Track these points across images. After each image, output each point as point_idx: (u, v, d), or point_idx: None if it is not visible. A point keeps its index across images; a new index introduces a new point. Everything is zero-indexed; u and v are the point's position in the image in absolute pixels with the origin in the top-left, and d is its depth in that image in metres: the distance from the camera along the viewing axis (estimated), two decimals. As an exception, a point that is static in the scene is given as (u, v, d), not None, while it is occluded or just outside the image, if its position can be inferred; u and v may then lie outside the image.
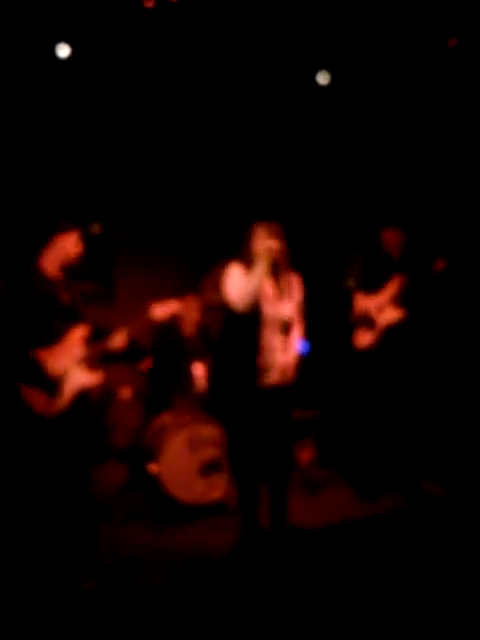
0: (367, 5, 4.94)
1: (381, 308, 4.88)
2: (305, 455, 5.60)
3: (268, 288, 4.03)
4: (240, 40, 5.04)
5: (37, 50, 4.82)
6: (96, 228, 4.00)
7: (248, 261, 4.01)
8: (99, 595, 3.58)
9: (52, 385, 3.66)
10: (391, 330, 4.84)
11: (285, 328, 4.04)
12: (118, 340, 3.84)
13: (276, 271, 4.05)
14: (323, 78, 5.44)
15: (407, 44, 5.18)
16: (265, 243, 3.97)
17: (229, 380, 4.13)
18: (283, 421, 4.07)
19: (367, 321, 4.89)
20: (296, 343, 4.13)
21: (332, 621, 3.26)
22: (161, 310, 3.89)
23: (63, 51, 4.82)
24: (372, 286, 4.92)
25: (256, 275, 3.92)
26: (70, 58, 4.86)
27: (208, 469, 4.71)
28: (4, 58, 4.79)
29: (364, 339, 4.90)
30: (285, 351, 4.03)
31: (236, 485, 4.17)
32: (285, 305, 4.05)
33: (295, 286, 4.16)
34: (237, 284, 4.00)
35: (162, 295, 4.02)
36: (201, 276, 5.82)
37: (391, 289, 4.88)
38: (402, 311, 4.86)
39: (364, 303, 4.93)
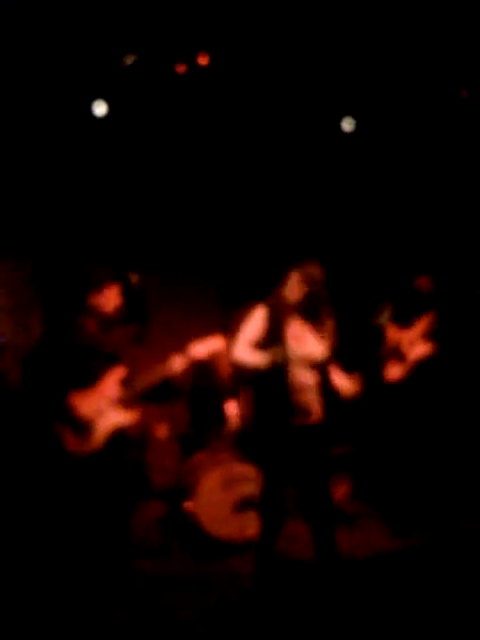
0: (387, 53, 5.13)
1: (412, 342, 4.97)
2: (340, 490, 5.64)
3: (298, 328, 4.11)
4: (270, 93, 5.27)
5: (74, 107, 5.11)
6: (135, 279, 4.20)
7: (276, 305, 4.11)
8: (135, 627, 3.68)
9: (83, 427, 3.81)
10: (421, 364, 4.93)
11: (316, 367, 4.10)
12: (175, 365, 3.96)
13: (311, 311, 4.12)
14: (348, 124, 5.63)
15: (426, 91, 5.35)
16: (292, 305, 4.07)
17: (262, 419, 4.19)
18: (318, 459, 4.10)
19: (398, 355, 4.99)
20: (336, 382, 4.18)
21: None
22: (201, 350, 4.03)
23: (100, 109, 5.10)
24: (404, 321, 5.03)
25: (259, 362, 4.01)
26: (106, 116, 5.14)
27: (242, 506, 4.78)
28: (45, 115, 5.08)
29: (394, 373, 4.99)
30: (317, 390, 4.09)
31: (261, 520, 4.20)
32: (317, 345, 4.11)
33: (329, 326, 4.20)
34: (246, 340, 4.09)
35: (195, 336, 4.15)
36: (233, 316, 5.95)
37: (422, 324, 4.99)
38: (432, 346, 4.95)
39: (395, 337, 5.04)
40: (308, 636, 3.58)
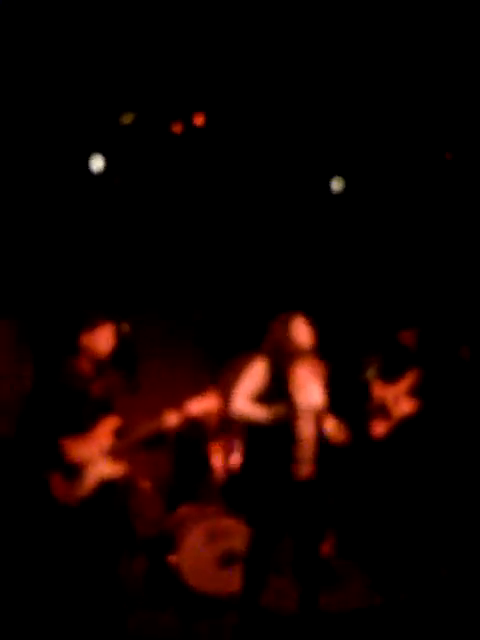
0: (375, 115, 5.31)
1: (397, 399, 5.04)
2: (325, 545, 5.62)
3: (303, 376, 4.07)
4: (263, 152, 5.41)
5: (71, 162, 5.22)
6: (125, 327, 4.23)
7: (275, 354, 4.08)
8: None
9: (74, 473, 3.82)
10: (406, 421, 4.99)
11: (317, 418, 4.07)
12: (170, 422, 3.96)
13: (307, 361, 4.09)
14: (337, 185, 5.79)
15: (412, 151, 5.52)
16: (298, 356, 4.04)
17: (257, 471, 4.13)
18: (314, 514, 4.07)
19: (383, 411, 5.04)
20: (327, 428, 4.13)
21: None
22: (196, 407, 4.05)
23: (97, 164, 5.20)
24: (389, 377, 5.10)
25: (259, 417, 3.96)
26: (103, 172, 5.25)
27: (227, 561, 4.77)
28: (41, 169, 5.18)
29: (379, 429, 5.04)
30: (315, 442, 4.05)
31: (246, 572, 4.12)
32: (319, 392, 4.08)
33: (321, 376, 4.19)
34: (246, 393, 4.02)
35: (184, 387, 4.18)
36: (221, 366, 6.00)
37: (407, 381, 5.06)
38: (417, 403, 5.01)
39: (381, 393, 5.10)
40: None
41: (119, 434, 3.99)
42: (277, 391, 4.03)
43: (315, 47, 4.54)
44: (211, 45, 4.36)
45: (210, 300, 6.43)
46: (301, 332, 4.10)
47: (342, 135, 5.46)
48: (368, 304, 6.39)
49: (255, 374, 4.09)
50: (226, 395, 5.66)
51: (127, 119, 4.82)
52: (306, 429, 4.02)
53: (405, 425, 5.01)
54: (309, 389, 4.08)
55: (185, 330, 6.35)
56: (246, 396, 4.05)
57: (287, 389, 4.01)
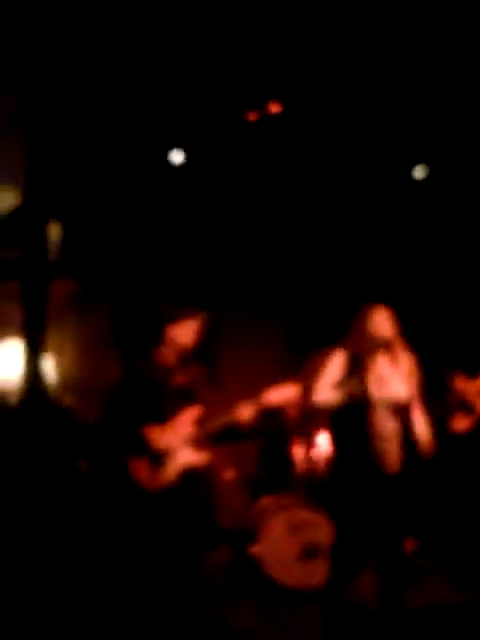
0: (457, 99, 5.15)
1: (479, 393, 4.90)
2: (408, 544, 5.52)
3: (379, 370, 4.03)
4: (339, 140, 5.35)
5: (152, 156, 5.29)
6: (205, 317, 4.27)
7: (355, 346, 4.07)
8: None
9: (157, 459, 3.87)
10: None
11: (399, 411, 4.02)
12: (245, 413, 3.99)
13: (389, 352, 4.04)
14: (420, 172, 5.67)
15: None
16: (373, 341, 4.00)
17: (340, 466, 4.14)
18: (395, 511, 4.02)
19: (465, 405, 4.90)
20: (417, 429, 4.10)
21: None
22: (274, 396, 4.05)
23: (177, 157, 5.26)
24: (472, 370, 4.95)
25: (347, 391, 3.97)
26: (183, 164, 5.30)
27: (308, 554, 4.74)
28: (122, 163, 5.28)
29: (462, 424, 4.91)
30: (398, 438, 4.01)
31: (334, 570, 4.13)
32: (399, 387, 4.03)
33: (410, 367, 4.13)
34: (327, 383, 4.04)
35: (266, 378, 4.18)
36: (304, 359, 5.97)
37: None
38: None
39: (463, 387, 4.96)
40: None
41: (201, 424, 4.02)
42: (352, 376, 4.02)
43: (397, 32, 4.45)
44: (288, 31, 4.33)
45: (295, 292, 6.38)
46: (381, 324, 4.05)
47: (424, 122, 5.32)
48: (451, 295, 6.22)
49: (335, 365, 4.09)
50: (308, 387, 5.65)
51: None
52: (385, 422, 3.98)
53: None
54: (389, 381, 4.02)
55: (270, 323, 6.33)
56: (326, 386, 4.05)
57: (362, 377, 3.99)
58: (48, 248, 4.42)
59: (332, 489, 4.24)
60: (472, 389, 4.95)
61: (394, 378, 4.03)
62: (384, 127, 5.34)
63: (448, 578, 4.94)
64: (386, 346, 4.03)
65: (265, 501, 5.08)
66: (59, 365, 5.37)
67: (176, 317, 4.07)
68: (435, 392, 5.18)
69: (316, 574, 4.67)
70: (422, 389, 4.17)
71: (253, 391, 4.20)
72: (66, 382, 5.45)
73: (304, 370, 5.82)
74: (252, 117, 4.91)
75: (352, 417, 4.00)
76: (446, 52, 4.62)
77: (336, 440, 4.19)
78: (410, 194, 5.95)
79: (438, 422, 5.04)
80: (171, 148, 5.27)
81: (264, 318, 6.30)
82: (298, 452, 5.32)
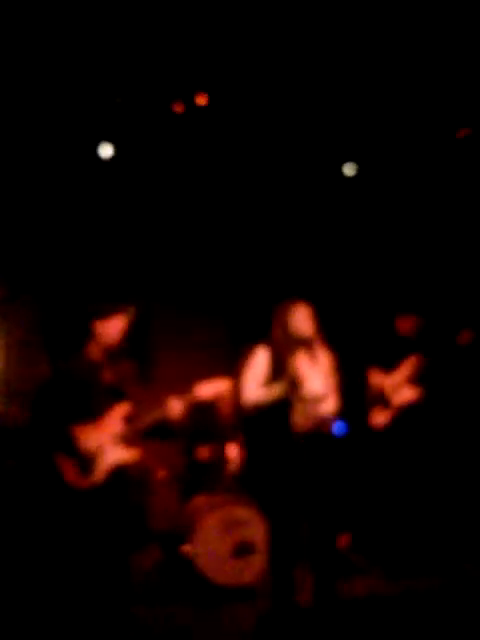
0: (388, 98, 5.22)
1: (396, 387, 4.92)
2: (342, 539, 5.56)
3: (301, 365, 4.06)
4: (270, 134, 5.35)
5: (79, 150, 5.21)
6: (133, 311, 4.21)
7: (278, 343, 4.09)
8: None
9: (85, 459, 3.80)
10: (406, 410, 4.86)
11: (317, 405, 4.04)
12: (174, 408, 3.94)
13: (309, 349, 4.09)
14: (350, 169, 5.72)
15: (424, 133, 5.42)
16: (295, 342, 4.03)
17: (265, 459, 4.15)
18: (324, 501, 4.04)
19: (382, 400, 4.93)
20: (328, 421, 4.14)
21: None
22: (206, 390, 4.02)
23: (105, 151, 5.19)
24: (388, 365, 4.98)
25: (275, 391, 3.99)
26: (112, 158, 5.23)
27: (241, 551, 4.73)
28: (51, 157, 5.17)
29: (379, 418, 4.93)
30: (315, 429, 4.03)
31: (272, 567, 4.14)
32: (317, 382, 4.07)
33: (327, 363, 4.19)
34: (253, 382, 4.06)
35: (202, 374, 4.14)
36: (237, 356, 5.95)
37: (407, 368, 4.93)
38: (417, 390, 4.89)
39: (380, 381, 4.99)
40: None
41: (130, 421, 3.96)
42: (277, 379, 4.03)
43: (327, 25, 4.46)
44: (215, 21, 4.31)
45: (232, 287, 6.36)
46: (302, 321, 4.08)
47: (354, 118, 5.37)
48: (368, 290, 6.27)
49: (258, 363, 4.11)
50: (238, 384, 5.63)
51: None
52: (304, 416, 4.00)
53: (405, 414, 4.87)
54: (309, 377, 4.05)
55: (208, 320, 6.30)
56: (254, 385, 4.07)
57: (288, 377, 4.00)
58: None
59: (261, 486, 4.24)
60: (389, 383, 4.96)
61: (314, 373, 4.06)
62: (314, 122, 5.35)
63: (380, 570, 4.97)
64: (306, 344, 4.05)
65: (197, 500, 5.05)
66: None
67: (103, 313, 4.00)
68: (352, 388, 5.24)
69: (249, 571, 4.67)
70: (339, 385, 4.20)
71: (187, 388, 4.17)
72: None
73: (240, 367, 5.83)
74: (179, 109, 4.87)
75: (274, 415, 4.02)
76: (377, 42, 4.66)
77: (257, 437, 4.19)
78: (338, 190, 5.99)
79: (356, 417, 5.10)
80: (99, 141, 5.20)
81: (202, 315, 6.28)
82: (231, 450, 5.30)
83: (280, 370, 4.08)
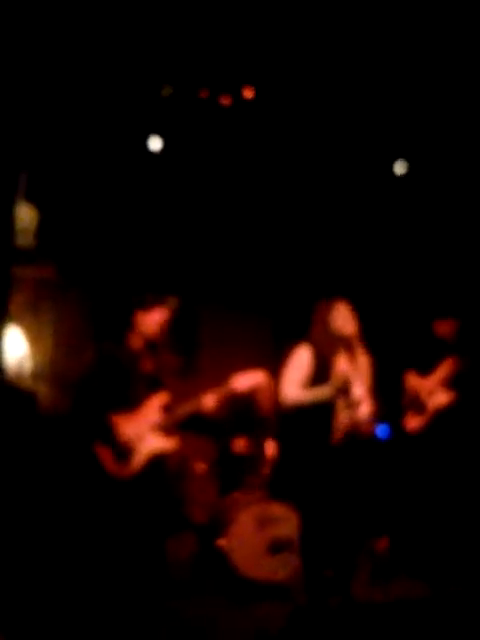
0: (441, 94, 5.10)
1: (432, 391, 4.82)
2: (380, 543, 5.49)
3: (342, 366, 4.04)
4: (318, 129, 5.30)
5: (129, 144, 5.26)
6: (174, 303, 4.25)
7: (319, 343, 4.07)
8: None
9: (123, 448, 3.84)
10: (442, 414, 4.77)
11: (356, 407, 4.02)
12: (209, 401, 3.97)
13: (349, 349, 4.07)
14: (400, 167, 5.62)
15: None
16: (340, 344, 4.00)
17: (302, 459, 4.15)
18: (357, 502, 4.05)
19: (417, 404, 4.84)
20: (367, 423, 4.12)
21: None
22: (242, 382, 4.02)
23: (155, 144, 5.23)
24: (423, 368, 4.88)
25: (320, 394, 3.98)
26: (161, 151, 5.26)
27: (276, 548, 4.72)
28: (99, 150, 5.24)
29: (414, 422, 4.85)
30: (352, 431, 4.04)
31: (305, 566, 4.16)
32: (358, 388, 4.02)
33: (366, 365, 4.17)
34: (295, 381, 4.04)
35: (241, 370, 4.15)
36: (281, 353, 5.93)
37: (442, 371, 4.83)
38: (453, 394, 4.79)
39: (415, 385, 4.89)
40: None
41: (168, 411, 4.00)
42: (320, 379, 4.02)
43: (378, 19, 4.39)
44: (263, 14, 4.28)
45: (282, 284, 6.31)
46: (343, 319, 4.03)
47: (406, 114, 5.26)
48: (407, 291, 6.14)
49: (301, 362, 4.09)
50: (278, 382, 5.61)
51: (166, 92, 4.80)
52: (346, 418, 3.99)
53: (440, 418, 4.78)
54: (351, 382, 4.01)
55: (256, 316, 6.27)
56: (295, 384, 4.03)
57: (337, 380, 3.98)
58: (15, 230, 4.36)
59: (296, 485, 4.21)
60: (425, 387, 4.86)
61: (354, 379, 4.02)
62: (364, 118, 5.27)
63: (416, 575, 4.90)
64: (347, 344, 4.01)
65: (236, 495, 5.06)
66: (35, 353, 5.33)
67: (144, 304, 4.06)
68: (388, 391, 5.16)
69: (282, 569, 4.67)
70: (375, 388, 4.17)
71: (225, 381, 4.18)
72: (42, 370, 5.41)
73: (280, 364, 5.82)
74: (225, 102, 4.87)
75: (316, 416, 3.99)
76: (427, 42, 4.57)
77: (295, 435, 4.15)
78: (388, 189, 5.90)
79: (392, 421, 5.02)
80: (149, 134, 5.24)
81: (250, 311, 6.25)
82: (269, 447, 5.29)
83: (323, 370, 4.05)
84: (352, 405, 3.99)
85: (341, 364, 4.06)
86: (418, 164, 5.73)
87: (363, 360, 4.18)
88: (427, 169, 5.73)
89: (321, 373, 4.07)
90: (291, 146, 5.45)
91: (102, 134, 5.18)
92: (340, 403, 4.02)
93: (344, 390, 3.98)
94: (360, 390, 4.01)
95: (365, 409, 4.05)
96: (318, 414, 4.04)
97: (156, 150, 5.27)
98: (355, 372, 4.06)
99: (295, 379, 4.06)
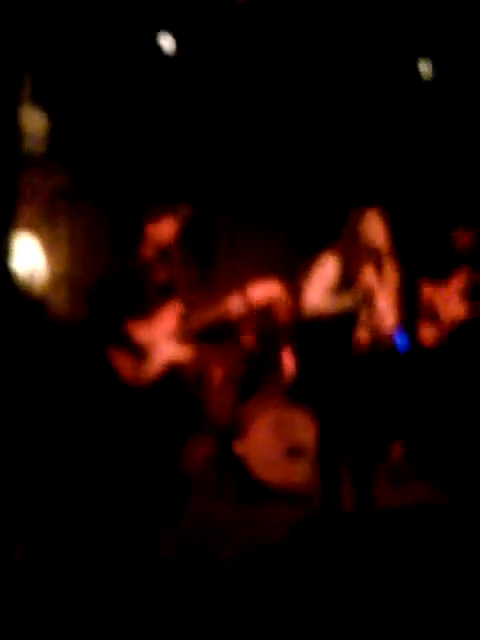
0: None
1: (447, 301, 4.74)
2: (396, 450, 5.55)
3: (372, 279, 3.94)
4: (339, 27, 5.05)
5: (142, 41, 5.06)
6: (186, 212, 4.17)
7: (347, 252, 3.98)
8: (174, 565, 3.74)
9: (140, 354, 3.87)
10: (458, 326, 4.71)
11: (379, 318, 3.95)
12: (233, 306, 3.93)
13: (378, 260, 3.96)
14: (425, 67, 5.37)
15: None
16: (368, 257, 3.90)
17: (322, 368, 4.13)
18: (376, 414, 4.05)
19: (432, 313, 4.75)
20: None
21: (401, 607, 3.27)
22: (259, 292, 3.99)
23: (167, 43, 5.03)
24: (439, 277, 4.77)
25: (342, 303, 3.90)
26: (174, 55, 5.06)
27: (292, 453, 4.80)
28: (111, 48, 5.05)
29: (429, 333, 4.78)
30: (373, 341, 3.97)
31: (320, 471, 4.19)
32: (383, 296, 3.95)
33: (394, 277, 4.06)
34: (319, 290, 3.96)
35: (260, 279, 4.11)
36: (298, 263, 5.87)
37: (458, 283, 4.74)
38: (469, 306, 4.71)
39: (430, 294, 4.81)
40: (341, 588, 3.56)
41: (185, 319, 3.99)
42: (345, 290, 3.95)
43: None
44: None
45: (298, 193, 6.16)
46: (375, 229, 3.92)
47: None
48: (427, 200, 5.94)
49: (326, 271, 4.01)
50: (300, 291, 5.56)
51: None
52: (368, 329, 3.92)
53: (457, 330, 4.72)
54: (376, 296, 3.92)
55: (273, 226, 6.15)
56: (318, 293, 3.98)
57: (360, 289, 3.90)
58: (21, 136, 4.25)
59: (315, 392, 4.22)
60: (440, 297, 4.78)
61: (379, 292, 3.93)
62: (388, 15, 5.00)
63: (431, 482, 4.97)
64: (376, 256, 3.92)
65: (254, 401, 5.11)
66: (51, 261, 5.32)
67: (155, 214, 4.00)
68: (407, 302, 5.11)
69: (298, 473, 4.75)
70: (402, 301, 4.09)
71: (242, 291, 4.13)
72: (59, 278, 5.41)
73: (301, 276, 5.76)
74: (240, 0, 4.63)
75: (338, 325, 3.94)
76: None
77: (316, 345, 4.12)
78: (414, 93, 5.66)
79: (409, 332, 4.96)
80: (159, 31, 5.02)
81: (266, 221, 6.14)
82: (286, 356, 5.30)
83: (348, 280, 3.98)
84: (374, 315, 3.93)
85: (367, 275, 3.96)
86: (442, 69, 5.46)
87: (392, 275, 4.05)
88: (450, 74, 5.47)
89: (346, 284, 3.99)
90: (310, 45, 5.21)
91: (111, 38, 4.99)
92: (363, 315, 3.96)
93: (368, 302, 3.92)
94: (384, 303, 3.95)
95: (388, 322, 3.99)
96: (341, 324, 3.98)
97: (168, 50, 5.07)
98: (381, 285, 3.98)
99: (320, 288, 3.99)
